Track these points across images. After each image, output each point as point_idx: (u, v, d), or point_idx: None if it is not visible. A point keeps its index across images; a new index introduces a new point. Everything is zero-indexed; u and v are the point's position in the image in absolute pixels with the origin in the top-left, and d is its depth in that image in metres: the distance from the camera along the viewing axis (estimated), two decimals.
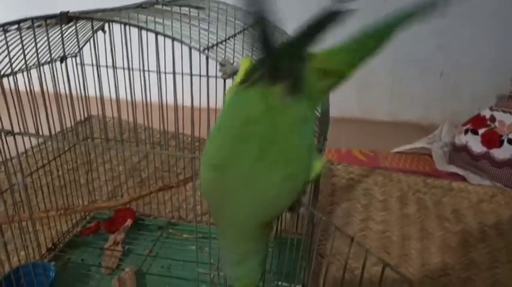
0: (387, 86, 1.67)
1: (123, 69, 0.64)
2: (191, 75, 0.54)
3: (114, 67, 0.66)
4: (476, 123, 1.52)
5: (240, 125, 0.33)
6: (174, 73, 0.50)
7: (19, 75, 0.58)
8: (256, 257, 0.43)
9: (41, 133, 0.59)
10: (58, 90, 0.64)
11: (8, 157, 0.52)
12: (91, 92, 0.71)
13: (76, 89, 0.69)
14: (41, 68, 0.60)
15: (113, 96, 0.67)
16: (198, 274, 0.57)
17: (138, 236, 0.75)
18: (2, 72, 0.54)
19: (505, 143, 1.48)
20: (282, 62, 0.30)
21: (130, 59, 0.62)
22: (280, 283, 0.56)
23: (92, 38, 0.68)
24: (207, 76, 0.49)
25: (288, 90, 0.31)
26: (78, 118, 0.71)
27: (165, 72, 0.65)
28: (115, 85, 0.66)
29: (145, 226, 0.78)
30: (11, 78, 0.56)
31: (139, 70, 0.65)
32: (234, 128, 0.33)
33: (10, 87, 0.57)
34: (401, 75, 1.61)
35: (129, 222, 0.74)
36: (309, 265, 0.45)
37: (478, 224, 0.90)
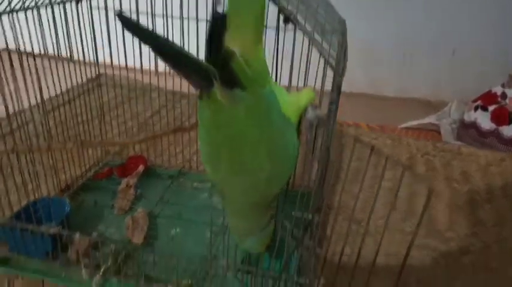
0: (397, 61, 1.65)
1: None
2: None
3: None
4: (486, 99, 1.50)
5: (205, 133, 0.36)
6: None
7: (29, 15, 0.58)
8: (254, 236, 0.49)
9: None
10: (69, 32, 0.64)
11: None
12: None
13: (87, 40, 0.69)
14: (53, 7, 0.60)
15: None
16: (211, 211, 0.58)
17: (150, 183, 0.77)
18: (13, 7, 0.54)
19: None
20: (203, 69, 0.29)
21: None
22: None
23: None
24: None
25: (225, 88, 0.30)
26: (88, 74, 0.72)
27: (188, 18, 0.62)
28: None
29: (157, 175, 0.79)
30: (22, 14, 0.56)
31: (162, 15, 0.64)
32: (203, 135, 0.37)
33: (20, 25, 0.57)
34: (411, 51, 1.60)
35: (141, 167, 0.75)
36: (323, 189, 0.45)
37: (485, 185, 0.90)
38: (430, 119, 1.29)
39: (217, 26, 0.28)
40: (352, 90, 1.51)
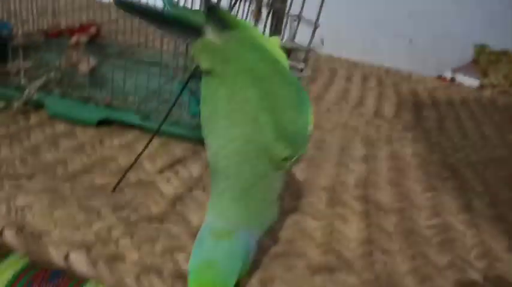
0: (359, 47, 1.70)
1: None
2: None
3: None
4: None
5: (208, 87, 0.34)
6: None
7: None
8: (248, 231, 0.31)
9: None
10: None
11: None
12: None
13: None
14: None
15: None
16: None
17: (100, 49, 0.74)
18: None
19: None
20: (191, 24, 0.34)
21: None
22: None
23: None
24: None
25: (217, 27, 0.34)
26: None
27: None
28: None
29: (109, 45, 0.77)
30: None
31: None
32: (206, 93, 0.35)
33: None
34: (372, 37, 1.65)
35: (93, 29, 0.73)
36: None
37: (430, 97, 0.95)
38: None
39: None
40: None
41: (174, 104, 0.44)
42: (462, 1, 1.60)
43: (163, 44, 0.70)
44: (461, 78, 1.60)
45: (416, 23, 1.64)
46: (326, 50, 1.14)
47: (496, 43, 1.58)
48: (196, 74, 0.53)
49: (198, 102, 0.55)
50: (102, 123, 0.56)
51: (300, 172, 0.54)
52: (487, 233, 0.48)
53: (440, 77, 1.59)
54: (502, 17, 1.63)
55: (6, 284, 0.32)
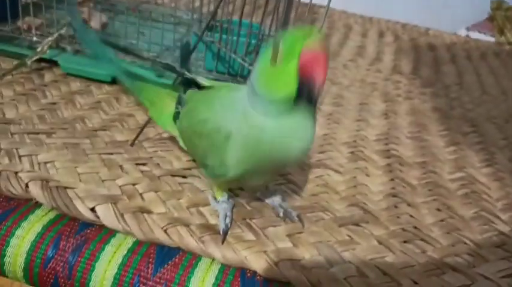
0: (373, 2, 1.63)
1: None
2: None
3: None
4: None
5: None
6: None
7: None
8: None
9: None
10: None
11: None
12: None
13: None
14: None
15: None
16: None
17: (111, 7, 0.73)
18: None
19: None
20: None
21: None
22: None
23: None
24: None
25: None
26: None
27: None
28: None
29: (117, 1, 0.75)
30: None
31: None
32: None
33: None
34: None
35: None
36: None
37: (450, 54, 0.92)
38: None
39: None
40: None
41: (190, 55, 0.42)
42: None
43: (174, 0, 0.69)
44: (476, 36, 1.55)
45: None
46: (339, 5, 1.10)
47: None
48: (211, 27, 0.52)
49: (214, 56, 0.54)
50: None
51: (319, 128, 0.53)
52: (511, 187, 0.47)
53: (454, 35, 1.54)
54: None
55: (36, 236, 0.32)
